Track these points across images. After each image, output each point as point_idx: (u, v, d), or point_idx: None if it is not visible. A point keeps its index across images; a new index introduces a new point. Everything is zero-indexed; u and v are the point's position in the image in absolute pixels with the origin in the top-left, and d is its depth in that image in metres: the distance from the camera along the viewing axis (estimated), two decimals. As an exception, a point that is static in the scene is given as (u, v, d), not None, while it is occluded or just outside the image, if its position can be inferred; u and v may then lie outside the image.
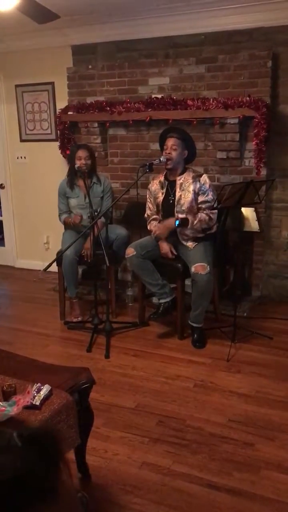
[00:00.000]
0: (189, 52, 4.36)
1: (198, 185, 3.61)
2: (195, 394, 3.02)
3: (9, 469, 0.80)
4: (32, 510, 0.80)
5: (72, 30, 4.70)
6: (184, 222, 3.60)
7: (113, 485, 2.26)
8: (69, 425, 1.97)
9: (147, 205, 3.92)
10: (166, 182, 3.77)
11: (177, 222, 3.60)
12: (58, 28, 4.54)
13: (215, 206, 3.49)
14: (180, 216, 3.61)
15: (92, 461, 2.38)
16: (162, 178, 3.81)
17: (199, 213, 3.61)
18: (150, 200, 3.88)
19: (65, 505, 0.86)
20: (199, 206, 3.63)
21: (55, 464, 0.86)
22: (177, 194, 3.67)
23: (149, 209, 3.90)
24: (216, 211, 3.62)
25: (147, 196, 3.91)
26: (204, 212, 3.61)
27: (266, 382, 3.14)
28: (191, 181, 3.64)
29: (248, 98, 3.99)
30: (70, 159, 4.13)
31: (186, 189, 3.64)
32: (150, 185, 3.89)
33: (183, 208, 3.64)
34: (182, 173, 3.69)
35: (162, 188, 3.79)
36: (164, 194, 3.77)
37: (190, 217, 3.59)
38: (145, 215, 3.94)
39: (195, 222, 3.59)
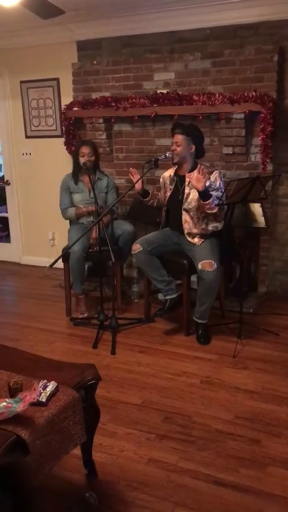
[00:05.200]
0: (194, 47, 4.33)
1: (207, 183, 3.53)
2: (202, 391, 3.02)
3: None
4: None
5: (77, 25, 4.68)
6: (206, 194, 3.43)
7: (119, 482, 2.27)
8: (75, 421, 1.97)
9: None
10: (176, 178, 3.75)
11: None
12: (62, 24, 4.53)
13: (220, 203, 3.46)
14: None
15: (98, 457, 2.38)
16: (172, 173, 3.80)
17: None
18: (160, 191, 3.91)
19: None
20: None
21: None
22: (186, 191, 3.65)
23: (159, 194, 3.95)
24: (220, 208, 3.55)
25: (160, 183, 3.92)
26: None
27: (273, 379, 3.13)
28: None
29: (254, 93, 3.97)
30: (74, 155, 4.15)
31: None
32: (163, 174, 3.89)
33: (189, 206, 3.62)
34: (192, 170, 3.65)
35: (171, 183, 3.78)
36: (172, 190, 3.76)
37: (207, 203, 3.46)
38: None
39: (208, 206, 3.45)
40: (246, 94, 3.98)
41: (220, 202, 3.43)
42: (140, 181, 3.74)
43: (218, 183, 3.56)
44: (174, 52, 4.43)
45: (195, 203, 3.58)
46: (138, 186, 3.77)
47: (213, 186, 3.54)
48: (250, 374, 3.20)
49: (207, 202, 3.44)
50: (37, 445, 1.76)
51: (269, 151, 4.04)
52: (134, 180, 3.76)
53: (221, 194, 3.49)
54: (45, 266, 5.03)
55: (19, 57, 5.24)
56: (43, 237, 5.65)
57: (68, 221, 4.39)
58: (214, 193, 3.49)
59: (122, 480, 2.28)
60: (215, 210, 3.50)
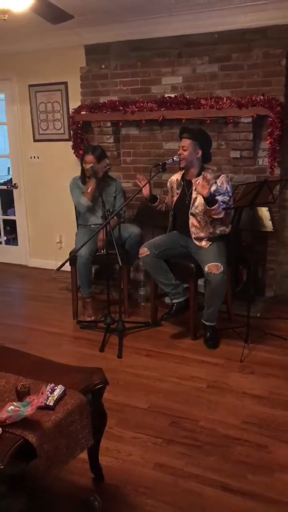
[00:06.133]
0: (202, 51, 4.33)
1: (214, 188, 3.52)
2: (208, 395, 3.01)
3: None
4: None
5: (85, 29, 4.70)
6: (212, 200, 3.43)
7: (126, 486, 2.26)
8: (82, 425, 1.97)
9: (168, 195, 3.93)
10: (183, 182, 3.76)
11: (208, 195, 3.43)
12: (71, 28, 4.54)
13: (227, 207, 3.46)
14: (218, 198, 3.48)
15: (105, 461, 2.37)
16: (179, 177, 3.80)
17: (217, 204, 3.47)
18: (168, 194, 3.91)
19: None
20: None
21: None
22: (193, 196, 3.65)
23: (167, 199, 3.93)
24: (226, 212, 3.55)
25: (167, 187, 3.91)
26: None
27: (280, 383, 3.11)
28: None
29: (262, 97, 3.97)
30: (81, 160, 4.19)
31: None
32: (170, 178, 3.88)
33: (197, 210, 3.62)
34: (199, 174, 3.63)
35: (178, 188, 3.78)
36: (179, 194, 3.76)
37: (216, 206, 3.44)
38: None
39: (214, 211, 3.46)
40: (254, 98, 3.98)
41: (227, 206, 3.42)
42: (147, 186, 3.75)
43: (225, 187, 3.56)
44: (182, 56, 4.43)
45: (202, 207, 3.58)
46: (145, 191, 3.78)
47: (220, 191, 3.53)
48: (257, 379, 3.18)
49: (213, 208, 3.44)
50: (45, 449, 1.76)
51: (277, 155, 4.04)
52: (142, 187, 3.76)
53: (228, 198, 3.49)
54: (52, 269, 5.03)
55: (27, 61, 5.26)
56: (50, 240, 5.66)
57: (75, 224, 4.40)
58: (220, 198, 3.48)
59: (129, 484, 2.27)
60: (221, 215, 3.50)
